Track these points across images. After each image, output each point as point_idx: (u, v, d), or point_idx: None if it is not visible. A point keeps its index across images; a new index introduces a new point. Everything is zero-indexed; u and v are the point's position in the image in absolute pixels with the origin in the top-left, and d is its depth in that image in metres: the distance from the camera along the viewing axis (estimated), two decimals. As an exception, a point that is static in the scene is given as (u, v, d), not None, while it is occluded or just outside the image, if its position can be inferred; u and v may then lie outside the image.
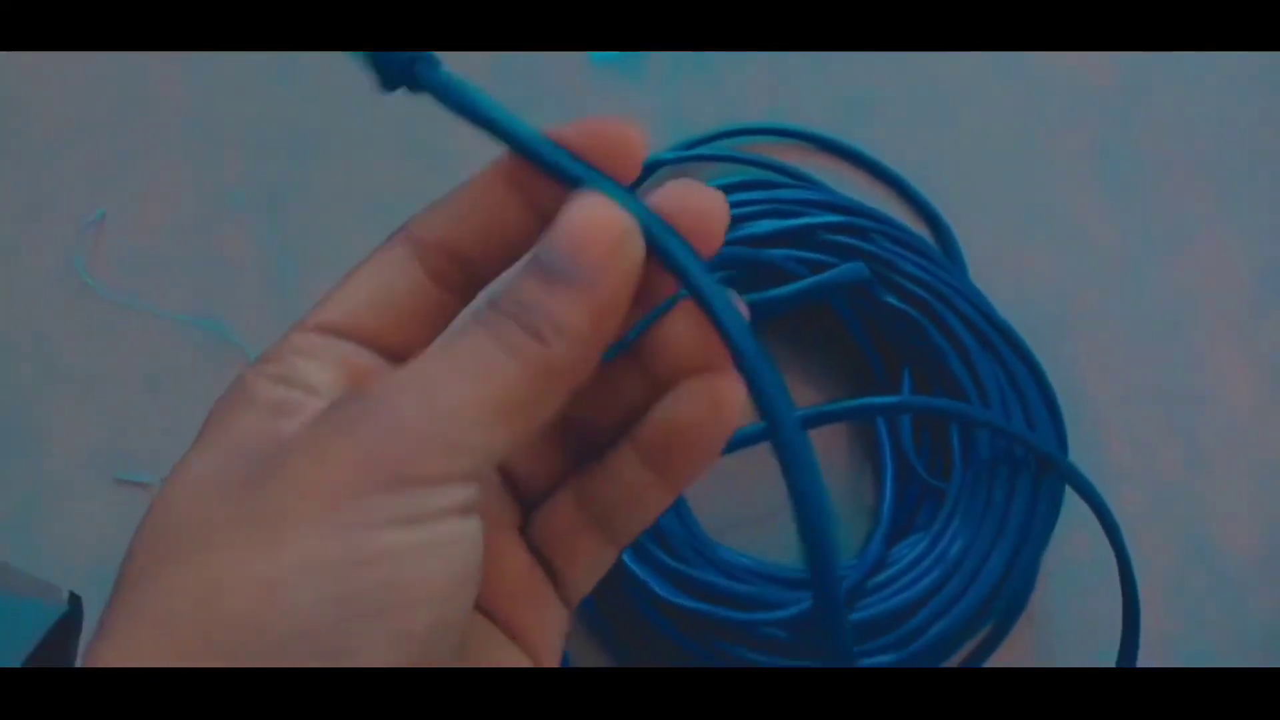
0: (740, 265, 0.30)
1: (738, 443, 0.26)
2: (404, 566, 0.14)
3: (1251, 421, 0.34)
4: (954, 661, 0.31)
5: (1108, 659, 0.30)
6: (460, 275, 0.17)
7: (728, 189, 0.32)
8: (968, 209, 0.35)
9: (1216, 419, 0.34)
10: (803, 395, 0.33)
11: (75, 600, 0.27)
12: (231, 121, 0.35)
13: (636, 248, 0.15)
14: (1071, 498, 0.30)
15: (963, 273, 0.32)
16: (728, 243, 0.30)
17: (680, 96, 0.36)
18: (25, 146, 0.35)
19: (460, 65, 0.37)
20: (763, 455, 0.33)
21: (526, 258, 0.16)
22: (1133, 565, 0.29)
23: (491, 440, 0.15)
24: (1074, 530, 0.32)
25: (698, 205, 0.16)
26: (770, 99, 0.36)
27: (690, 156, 0.34)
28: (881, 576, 0.28)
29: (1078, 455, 0.31)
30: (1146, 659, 0.30)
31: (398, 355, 0.17)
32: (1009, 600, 0.28)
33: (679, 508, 0.29)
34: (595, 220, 0.15)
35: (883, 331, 0.31)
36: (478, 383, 0.15)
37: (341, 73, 0.36)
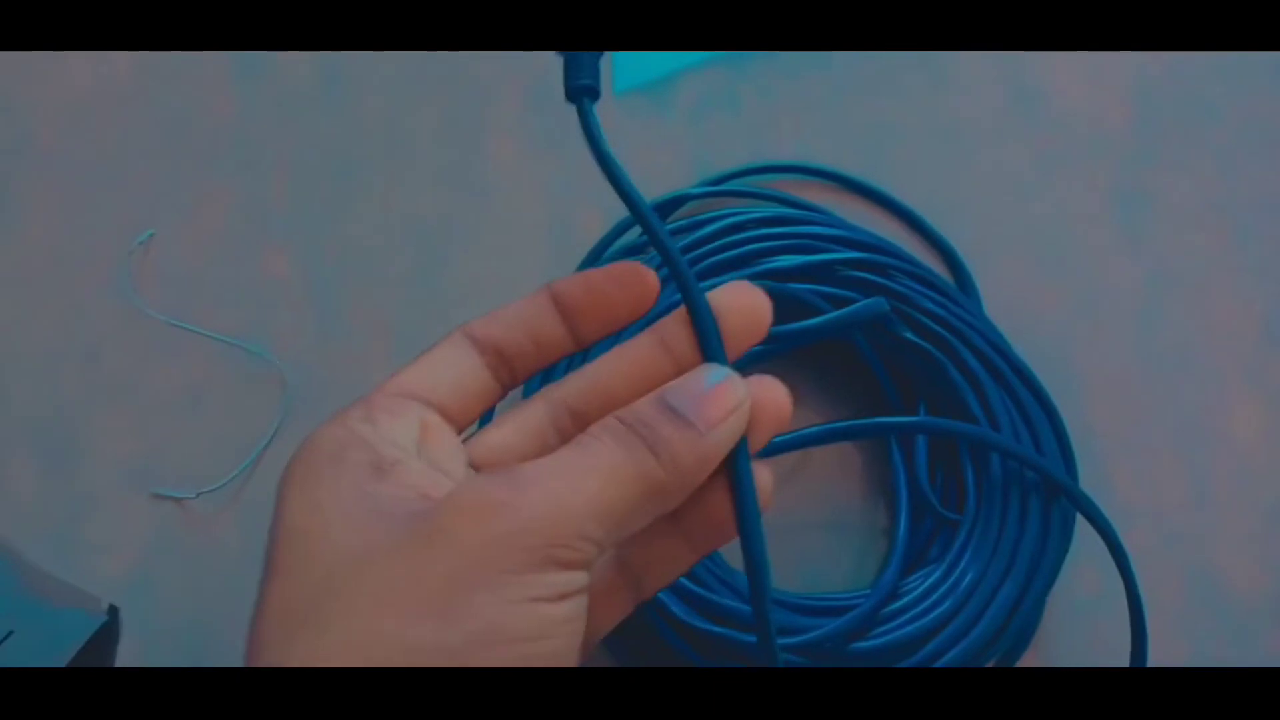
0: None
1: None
2: (555, 638, 0.17)
3: (1260, 460, 0.34)
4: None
5: None
6: (504, 370, 0.21)
7: (752, 224, 0.33)
8: (984, 246, 0.36)
9: (1225, 457, 0.34)
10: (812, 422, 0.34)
11: (114, 611, 0.28)
12: (277, 146, 0.37)
13: (744, 418, 0.18)
14: (1079, 533, 0.31)
15: (978, 308, 0.33)
16: (751, 276, 0.31)
17: (705, 132, 0.37)
18: (77, 166, 0.36)
19: (492, 93, 0.38)
20: (780, 490, 0.34)
21: (659, 393, 0.18)
22: (1141, 595, 0.29)
23: (607, 536, 0.17)
24: (1083, 563, 0.33)
25: (748, 303, 0.19)
26: (793, 136, 0.37)
27: (715, 192, 0.35)
28: (895, 605, 0.29)
29: (1087, 490, 0.32)
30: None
31: (457, 424, 0.20)
32: (1020, 629, 0.29)
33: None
34: (724, 387, 0.18)
35: (900, 366, 0.32)
36: (609, 485, 0.17)
37: (385, 101, 0.37)
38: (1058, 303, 0.36)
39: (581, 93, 0.21)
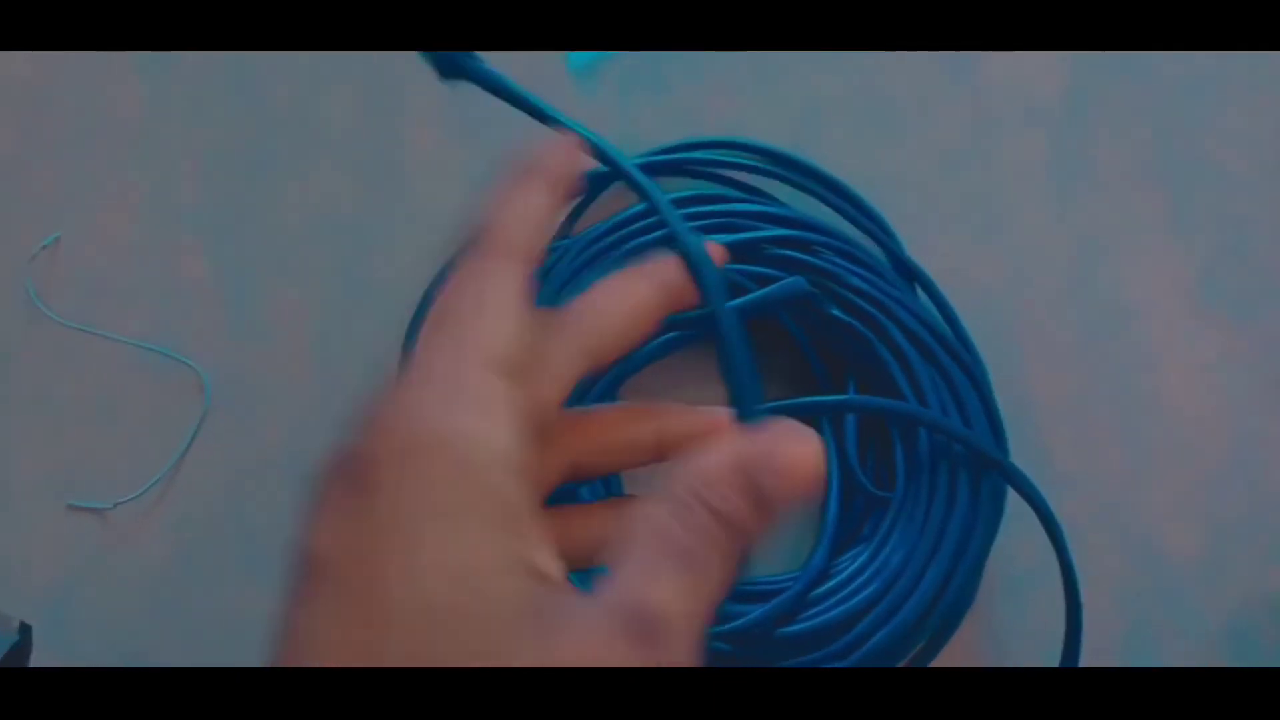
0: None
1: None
2: None
3: (1194, 426, 0.34)
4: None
5: (1051, 660, 0.30)
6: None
7: (680, 203, 0.33)
8: (918, 217, 0.35)
9: (1160, 424, 0.34)
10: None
11: (25, 630, 0.27)
12: (186, 142, 0.35)
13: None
14: (1015, 505, 0.31)
15: (910, 281, 0.33)
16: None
17: (633, 110, 0.36)
18: (-24, 173, 0.35)
19: (409, 81, 0.37)
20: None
21: (739, 469, 0.17)
22: (1074, 565, 0.29)
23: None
24: (1019, 535, 0.33)
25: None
26: (724, 112, 0.36)
27: (643, 168, 0.34)
28: (823, 588, 0.28)
29: (1023, 461, 0.32)
30: (1090, 661, 0.30)
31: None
32: (951, 607, 0.29)
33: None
34: (813, 466, 0.17)
35: (829, 343, 0.31)
36: (700, 600, 0.16)
37: (297, 92, 0.36)
38: (992, 274, 0.35)
39: (461, 67, 0.21)
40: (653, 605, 0.16)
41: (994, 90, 0.37)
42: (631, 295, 0.20)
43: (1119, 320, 0.35)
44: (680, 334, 0.31)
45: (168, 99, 0.36)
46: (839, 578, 0.29)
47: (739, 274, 0.31)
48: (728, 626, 0.28)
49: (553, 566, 0.17)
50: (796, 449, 0.17)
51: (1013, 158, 0.36)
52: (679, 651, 0.16)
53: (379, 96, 0.36)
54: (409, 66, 0.36)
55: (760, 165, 0.34)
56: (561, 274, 0.31)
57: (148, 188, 0.35)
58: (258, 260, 0.35)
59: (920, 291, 0.33)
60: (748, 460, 0.17)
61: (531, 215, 0.19)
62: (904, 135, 0.36)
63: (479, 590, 0.16)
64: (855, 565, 0.29)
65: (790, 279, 0.29)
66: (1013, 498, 0.31)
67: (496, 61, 0.23)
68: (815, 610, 0.28)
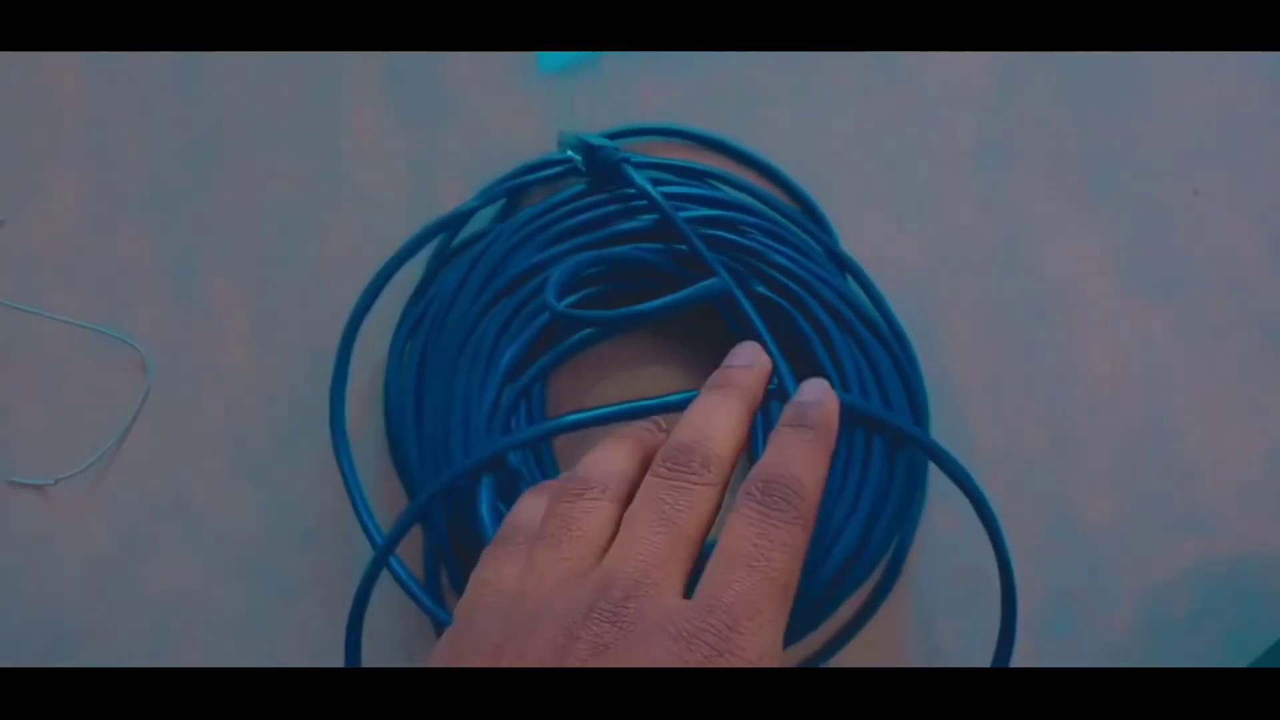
0: (612, 263, 0.31)
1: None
2: None
3: (1114, 403, 0.35)
4: (828, 630, 0.32)
5: (984, 631, 0.31)
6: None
7: (614, 186, 0.33)
8: (846, 200, 0.36)
9: (1080, 401, 0.35)
10: (682, 382, 0.34)
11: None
12: (129, 127, 0.36)
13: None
14: (940, 481, 0.32)
15: (838, 264, 0.34)
16: (601, 240, 0.32)
17: (567, 97, 0.37)
18: (-79, 158, 0.35)
19: (350, 68, 0.38)
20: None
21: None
22: (1004, 536, 0.30)
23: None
24: (944, 511, 0.34)
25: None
26: (657, 100, 0.37)
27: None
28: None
29: (945, 439, 0.33)
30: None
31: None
32: (862, 571, 0.29)
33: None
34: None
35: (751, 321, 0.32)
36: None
37: (240, 79, 0.37)
38: (917, 254, 0.36)
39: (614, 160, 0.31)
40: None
41: (920, 81, 0.38)
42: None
43: (1040, 299, 0.36)
44: (596, 330, 0.32)
45: (111, 84, 0.36)
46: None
47: (662, 255, 0.32)
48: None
49: None
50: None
51: (938, 146, 0.37)
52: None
53: (319, 85, 0.37)
54: (347, 57, 0.37)
55: (691, 166, 0.35)
56: (494, 256, 0.32)
57: (91, 175, 0.35)
58: (200, 243, 0.35)
59: (849, 276, 0.34)
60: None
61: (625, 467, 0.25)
62: (836, 125, 0.37)
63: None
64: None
65: (710, 281, 0.30)
66: (939, 478, 0.32)
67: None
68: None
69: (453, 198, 0.36)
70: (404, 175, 0.36)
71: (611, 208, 0.32)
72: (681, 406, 0.26)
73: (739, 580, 0.20)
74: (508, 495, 0.29)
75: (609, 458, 0.25)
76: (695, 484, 0.22)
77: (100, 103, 0.36)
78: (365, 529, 0.31)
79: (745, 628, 0.20)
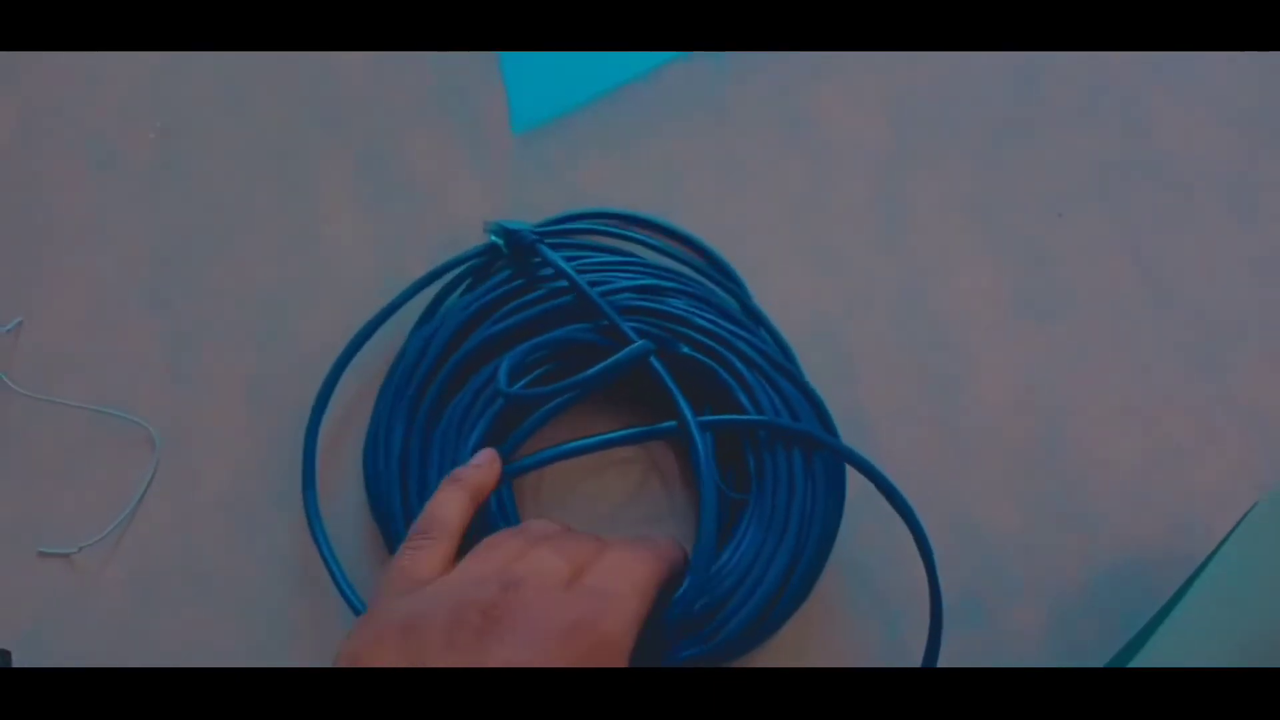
0: (552, 346, 0.36)
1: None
2: None
3: (1007, 418, 0.40)
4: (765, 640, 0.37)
5: (912, 623, 0.36)
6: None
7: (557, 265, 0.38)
8: (762, 257, 0.41)
9: (978, 419, 0.40)
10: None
11: (5, 655, 0.32)
12: (126, 228, 0.41)
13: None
14: (860, 498, 0.36)
15: (750, 307, 0.39)
16: (538, 321, 0.36)
17: (529, 184, 0.42)
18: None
19: (324, 161, 0.42)
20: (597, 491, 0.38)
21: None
22: (926, 533, 0.34)
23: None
24: (864, 521, 0.38)
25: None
26: (600, 186, 0.42)
27: (546, 233, 0.40)
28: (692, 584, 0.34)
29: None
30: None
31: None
32: (802, 579, 0.34)
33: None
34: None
35: (681, 374, 0.37)
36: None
37: (223, 178, 0.41)
38: (829, 299, 0.41)
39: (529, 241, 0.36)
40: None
41: (829, 142, 0.43)
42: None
43: (939, 331, 0.41)
44: (576, 395, 0.37)
45: (112, 190, 0.41)
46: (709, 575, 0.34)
47: (588, 332, 0.36)
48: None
49: None
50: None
51: (845, 197, 0.42)
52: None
53: (295, 178, 0.42)
54: (323, 148, 0.42)
55: (621, 230, 0.40)
56: (442, 339, 0.37)
57: (96, 275, 0.40)
58: (195, 328, 0.40)
59: (761, 329, 0.39)
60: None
61: (457, 509, 0.31)
62: (751, 190, 0.42)
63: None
64: (718, 563, 0.35)
65: (634, 345, 0.35)
66: (854, 491, 0.37)
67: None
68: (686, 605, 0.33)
69: (415, 270, 0.40)
70: (370, 259, 0.41)
71: (539, 291, 0.37)
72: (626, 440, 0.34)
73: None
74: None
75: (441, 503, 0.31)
76: (422, 543, 0.30)
77: (102, 201, 0.41)
78: (341, 592, 0.35)
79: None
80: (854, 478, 0.36)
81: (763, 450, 0.36)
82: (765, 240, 0.42)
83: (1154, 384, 0.41)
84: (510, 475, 0.34)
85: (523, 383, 0.36)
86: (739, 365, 0.36)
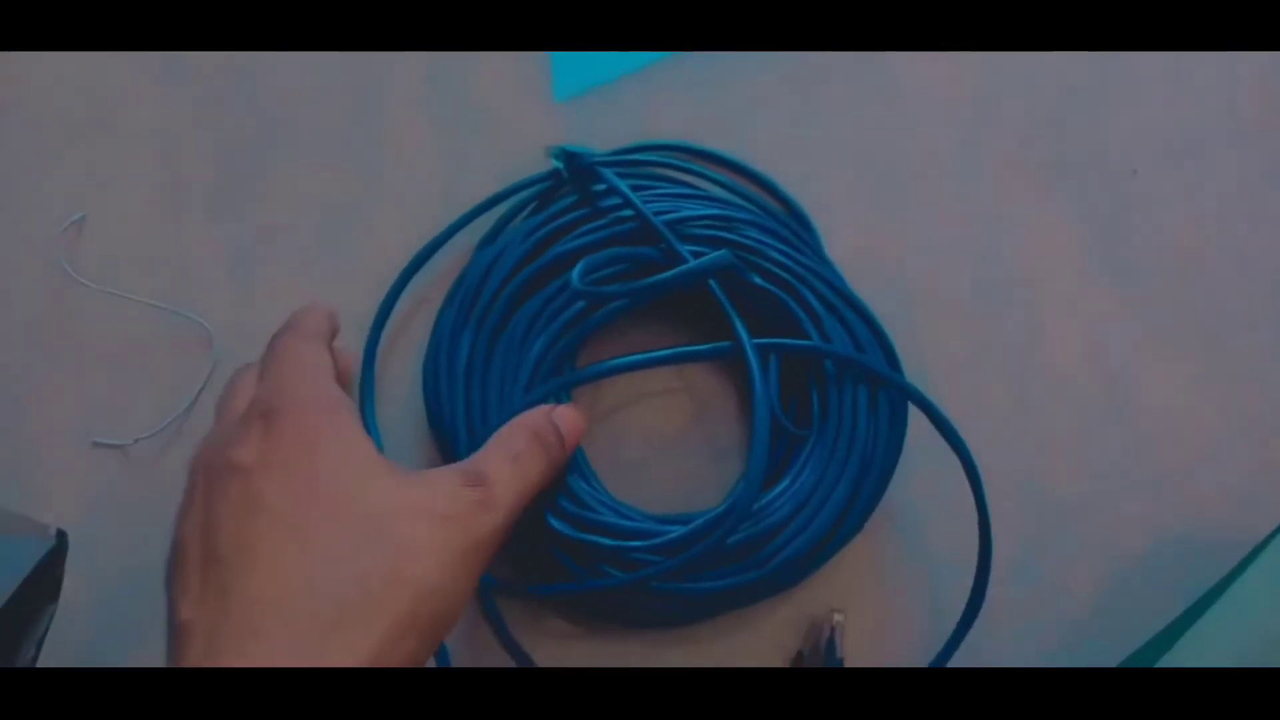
0: (623, 261, 0.35)
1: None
2: None
3: (1075, 380, 0.39)
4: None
5: (959, 574, 0.35)
6: None
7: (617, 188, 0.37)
8: (835, 199, 0.40)
9: (1044, 378, 0.39)
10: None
11: (62, 536, 0.32)
12: (193, 131, 0.40)
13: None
14: (920, 441, 0.36)
15: (820, 253, 0.38)
16: (613, 238, 0.36)
17: (585, 115, 0.41)
18: (11, 156, 0.40)
19: (390, 74, 0.42)
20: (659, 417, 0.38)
21: (550, 414, 0.31)
22: (978, 468, 0.33)
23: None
24: (923, 469, 0.37)
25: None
26: (669, 118, 0.41)
27: (609, 162, 0.39)
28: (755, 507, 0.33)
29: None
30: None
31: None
32: (858, 516, 0.34)
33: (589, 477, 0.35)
34: (576, 421, 0.32)
35: (752, 310, 0.36)
36: (520, 480, 0.28)
37: (287, 83, 0.41)
38: (899, 248, 0.40)
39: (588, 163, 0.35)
40: (485, 469, 0.27)
41: (903, 91, 0.42)
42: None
43: (1008, 286, 0.40)
44: (627, 302, 0.36)
45: (175, 91, 0.40)
46: (762, 502, 0.34)
47: (667, 250, 0.35)
48: (658, 541, 0.33)
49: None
50: (569, 411, 0.31)
51: (918, 150, 0.41)
52: (499, 502, 0.27)
53: (363, 92, 0.41)
54: (388, 63, 0.41)
55: (691, 165, 0.39)
56: (515, 255, 0.36)
57: (159, 174, 0.40)
58: (257, 235, 0.39)
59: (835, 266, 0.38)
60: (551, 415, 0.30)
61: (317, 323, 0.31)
62: (826, 132, 0.41)
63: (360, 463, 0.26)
64: (774, 492, 0.34)
65: (717, 253, 0.34)
66: (914, 435, 0.36)
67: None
68: (741, 530, 0.33)
69: (478, 190, 0.39)
70: (428, 176, 0.40)
71: (603, 220, 0.36)
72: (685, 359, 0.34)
73: None
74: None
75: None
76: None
77: (168, 107, 0.40)
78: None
79: None
80: (912, 425, 0.36)
81: (829, 386, 0.35)
82: (836, 186, 0.41)
83: (1232, 353, 0.40)
84: (568, 385, 0.34)
85: (594, 278, 0.35)
86: (811, 299, 0.35)
